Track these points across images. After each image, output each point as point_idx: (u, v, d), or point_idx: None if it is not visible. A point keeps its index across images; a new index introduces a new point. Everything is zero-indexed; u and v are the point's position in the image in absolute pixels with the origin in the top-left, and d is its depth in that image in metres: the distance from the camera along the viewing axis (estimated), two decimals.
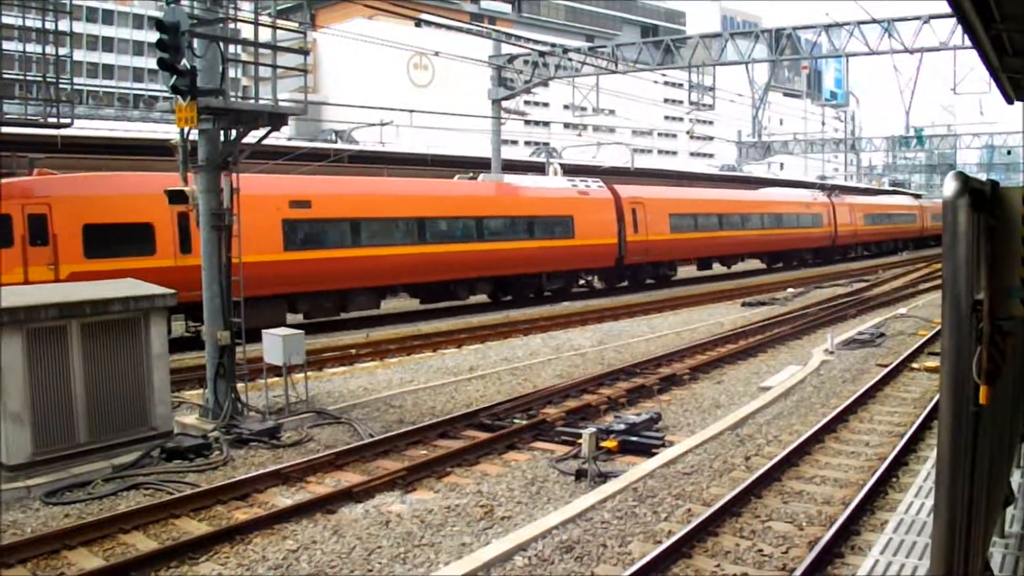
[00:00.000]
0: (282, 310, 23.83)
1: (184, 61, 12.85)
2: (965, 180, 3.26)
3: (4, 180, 19.47)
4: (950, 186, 3.27)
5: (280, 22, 21.07)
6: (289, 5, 77.46)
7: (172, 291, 13.04)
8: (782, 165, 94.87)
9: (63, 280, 18.62)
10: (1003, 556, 5.41)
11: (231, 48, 14.67)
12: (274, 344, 14.74)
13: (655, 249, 38.03)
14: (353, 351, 20.81)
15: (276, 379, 15.44)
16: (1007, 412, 4.85)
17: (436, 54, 37.53)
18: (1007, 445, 5.35)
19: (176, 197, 13.95)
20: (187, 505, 10.39)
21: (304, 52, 17.16)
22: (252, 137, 14.96)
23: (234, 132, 14.16)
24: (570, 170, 41.32)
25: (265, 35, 14.92)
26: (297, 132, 48.55)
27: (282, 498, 10.85)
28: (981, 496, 3.84)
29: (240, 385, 14.58)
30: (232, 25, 14.34)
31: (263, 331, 15.53)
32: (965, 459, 3.38)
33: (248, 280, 14.78)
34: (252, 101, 14.89)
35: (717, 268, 46.52)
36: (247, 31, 14.42)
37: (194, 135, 13.86)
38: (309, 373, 16.30)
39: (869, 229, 61.01)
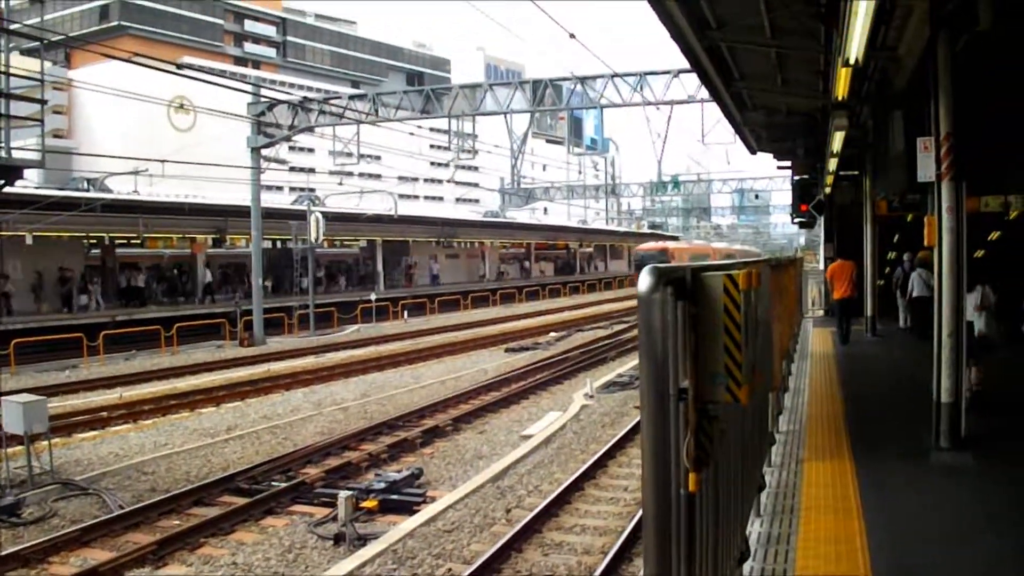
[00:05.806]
0: None
1: None
2: (660, 274, 3.14)
3: (665, 243, 71.72)
4: (644, 282, 3.12)
5: (22, 64, 20.02)
6: (33, 45, 73.55)
7: None
8: (545, 210, 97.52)
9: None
10: None
11: None
12: (14, 412, 13.81)
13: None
14: (104, 413, 19.75)
15: (18, 448, 14.51)
16: (730, 477, 4.74)
17: (187, 109, 36.48)
18: (738, 503, 5.29)
19: None
20: None
21: (42, 101, 16.30)
22: None
23: None
24: (333, 218, 41.47)
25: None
26: (47, 180, 46.00)
27: None
28: (706, 562, 3.81)
29: None
30: None
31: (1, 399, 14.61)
32: (679, 541, 3.29)
33: None
34: None
35: (479, 315, 47.52)
36: None
37: None
38: (56, 439, 15.47)
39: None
